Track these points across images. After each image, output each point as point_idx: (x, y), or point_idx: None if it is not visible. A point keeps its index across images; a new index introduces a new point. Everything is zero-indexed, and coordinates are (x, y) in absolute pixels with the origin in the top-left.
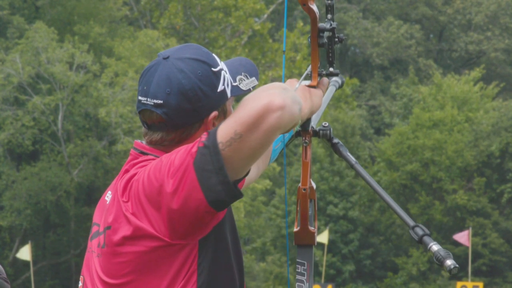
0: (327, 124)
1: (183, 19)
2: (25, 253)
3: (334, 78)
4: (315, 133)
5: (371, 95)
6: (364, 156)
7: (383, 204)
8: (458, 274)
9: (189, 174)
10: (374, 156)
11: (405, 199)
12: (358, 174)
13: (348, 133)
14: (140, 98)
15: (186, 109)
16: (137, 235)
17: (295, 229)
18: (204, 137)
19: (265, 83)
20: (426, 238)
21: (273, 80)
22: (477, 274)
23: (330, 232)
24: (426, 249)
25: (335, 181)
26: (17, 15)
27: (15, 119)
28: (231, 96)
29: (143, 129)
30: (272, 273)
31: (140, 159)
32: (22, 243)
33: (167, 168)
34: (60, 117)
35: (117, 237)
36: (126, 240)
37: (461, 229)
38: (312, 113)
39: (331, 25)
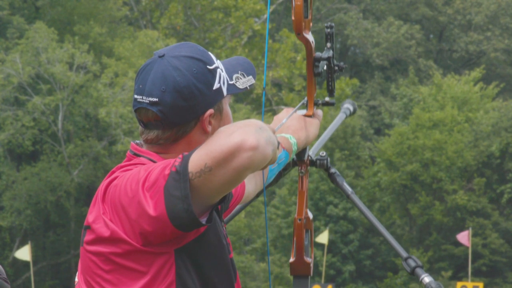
0: (324, 154)
1: (183, 19)
2: (24, 253)
3: (346, 106)
4: (312, 163)
5: (371, 95)
6: (364, 156)
7: (383, 204)
8: (458, 274)
9: (159, 196)
10: (374, 156)
11: (405, 199)
12: (354, 205)
13: (348, 133)
14: (136, 96)
15: (182, 106)
16: (113, 238)
17: (291, 260)
18: (178, 160)
19: (265, 83)
20: (418, 270)
21: (273, 80)
22: (477, 274)
23: (330, 232)
24: (419, 281)
25: None
26: (17, 15)
27: (15, 119)
28: (227, 94)
29: (140, 128)
30: (272, 273)
31: (133, 161)
32: (22, 243)
33: (143, 181)
34: (60, 118)
35: (94, 237)
36: (102, 240)
37: (461, 229)
38: (307, 143)
39: (329, 54)
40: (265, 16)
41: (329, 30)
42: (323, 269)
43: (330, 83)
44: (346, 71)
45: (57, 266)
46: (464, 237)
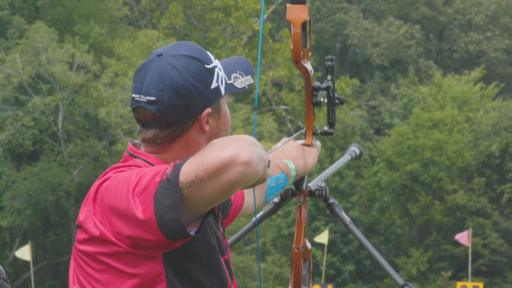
0: (323, 185)
1: (183, 19)
2: (24, 253)
3: (352, 148)
4: (311, 193)
5: (371, 95)
6: (364, 156)
7: (383, 204)
8: (458, 274)
9: (148, 202)
10: (374, 156)
11: (405, 199)
12: (352, 234)
13: (348, 133)
14: (133, 95)
15: (179, 105)
16: (102, 238)
17: None
18: (170, 169)
19: (266, 83)
20: None
21: (273, 80)
22: (477, 274)
23: (330, 232)
24: None
25: (335, 181)
26: (17, 15)
27: (15, 119)
28: (225, 93)
29: (138, 127)
30: (272, 273)
31: (128, 162)
32: (22, 243)
33: (134, 186)
34: (60, 117)
35: (85, 236)
36: (93, 240)
37: (461, 229)
38: (305, 171)
39: (328, 84)
40: (266, 16)
41: (329, 63)
42: (323, 269)
43: (330, 116)
44: (346, 71)
45: (57, 266)
46: (463, 237)
